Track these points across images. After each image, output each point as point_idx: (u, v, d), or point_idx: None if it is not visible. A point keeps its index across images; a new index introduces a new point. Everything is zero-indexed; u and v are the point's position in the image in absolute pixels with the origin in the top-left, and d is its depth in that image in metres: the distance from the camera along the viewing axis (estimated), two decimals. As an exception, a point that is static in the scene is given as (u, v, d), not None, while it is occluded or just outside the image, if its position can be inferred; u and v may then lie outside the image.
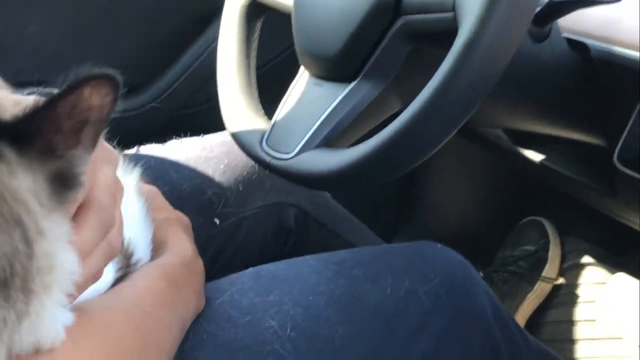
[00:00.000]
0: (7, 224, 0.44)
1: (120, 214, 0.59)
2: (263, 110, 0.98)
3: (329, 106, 0.82)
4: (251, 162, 1.06)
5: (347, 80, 0.82)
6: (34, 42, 1.21)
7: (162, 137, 1.09)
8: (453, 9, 0.68)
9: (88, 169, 0.50)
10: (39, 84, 1.01)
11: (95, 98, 0.45)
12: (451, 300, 0.78)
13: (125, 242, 0.68)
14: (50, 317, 0.49)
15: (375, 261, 0.79)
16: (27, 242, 0.46)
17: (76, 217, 0.51)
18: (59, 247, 0.49)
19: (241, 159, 1.06)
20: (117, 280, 0.65)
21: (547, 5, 0.74)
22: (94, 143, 0.48)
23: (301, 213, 1.08)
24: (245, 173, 1.05)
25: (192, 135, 1.12)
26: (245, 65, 1.00)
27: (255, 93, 1.00)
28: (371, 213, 1.25)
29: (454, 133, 0.69)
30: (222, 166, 1.05)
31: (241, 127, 0.96)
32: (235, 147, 1.07)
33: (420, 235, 1.21)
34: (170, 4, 1.24)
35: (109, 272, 0.64)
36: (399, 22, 0.76)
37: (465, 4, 0.66)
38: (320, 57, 0.84)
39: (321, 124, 0.82)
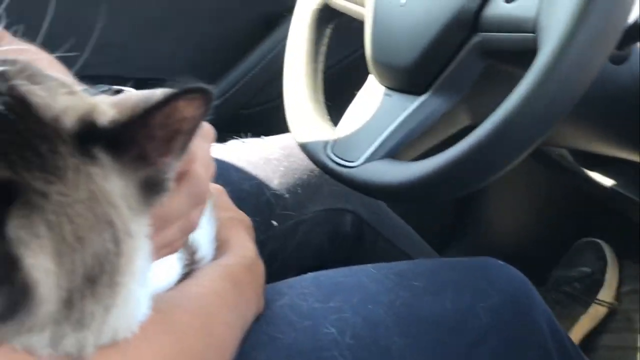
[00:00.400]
0: (99, 225, 0.46)
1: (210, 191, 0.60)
2: (328, 116, 0.99)
3: (398, 118, 0.82)
4: (311, 166, 1.07)
5: (417, 92, 0.82)
6: (102, 37, 1.23)
7: (222, 137, 1.11)
8: (534, 30, 0.68)
9: None
10: (107, 78, 1.04)
11: (189, 110, 0.47)
12: (510, 318, 0.77)
13: (190, 240, 0.70)
14: (130, 310, 0.51)
15: (436, 274, 0.79)
16: (116, 242, 0.47)
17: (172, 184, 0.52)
18: (142, 247, 0.50)
19: (301, 163, 1.07)
20: (182, 277, 0.67)
21: (629, 28, 0.73)
22: (183, 151, 0.50)
23: (357, 220, 1.08)
24: (304, 177, 1.06)
25: (252, 136, 1.14)
26: (312, 70, 1.01)
27: (322, 98, 1.01)
28: (426, 224, 1.25)
29: (526, 154, 0.69)
30: (282, 168, 1.07)
31: (306, 131, 0.97)
32: (296, 150, 1.08)
33: (473, 250, 1.21)
34: (235, 4, 1.26)
35: (176, 268, 0.66)
36: (476, 39, 0.76)
37: (548, 26, 0.66)
38: (392, 68, 0.84)
39: (389, 135, 0.82)
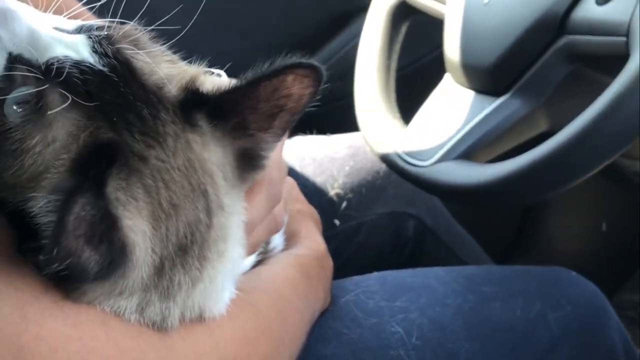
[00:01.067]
0: (194, 194, 0.46)
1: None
2: (399, 114, 0.98)
3: (475, 118, 0.81)
4: (376, 167, 1.06)
5: (496, 94, 0.81)
6: (170, 32, 1.25)
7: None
8: (626, 34, 0.66)
9: None
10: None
11: (297, 87, 0.47)
12: (581, 330, 0.76)
13: None
14: (219, 287, 0.51)
15: (507, 281, 0.78)
16: (209, 213, 0.47)
17: (249, 191, 0.53)
18: (233, 222, 0.50)
19: (367, 163, 1.07)
20: (255, 264, 0.67)
21: None
22: (284, 131, 0.50)
23: (420, 225, 1.07)
24: (369, 177, 1.06)
25: (317, 133, 1.13)
26: (385, 66, 1.00)
27: (393, 95, 1.00)
28: (487, 235, 1.23)
29: (607, 162, 0.67)
30: (347, 168, 1.06)
31: (375, 128, 0.96)
32: (362, 150, 1.08)
33: (537, 262, 1.18)
34: (306, 3, 1.26)
35: (252, 255, 0.66)
36: (562, 41, 0.74)
37: None
38: (473, 68, 0.83)
39: (464, 135, 0.81)
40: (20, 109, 0.43)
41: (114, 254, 0.43)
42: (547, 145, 0.68)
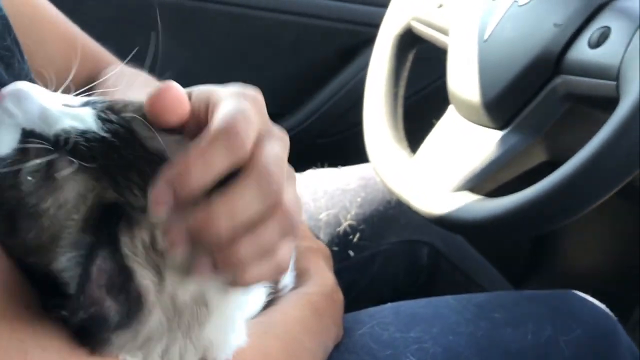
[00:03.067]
0: None
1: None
2: (407, 143, 1.02)
3: (477, 152, 0.84)
4: (387, 197, 1.10)
5: (497, 128, 0.84)
6: (183, 67, 1.29)
7: (299, 166, 1.15)
8: (616, 78, 0.70)
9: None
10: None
11: None
12: (593, 352, 0.78)
13: None
14: (229, 322, 0.56)
15: (517, 306, 0.81)
16: None
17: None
18: None
19: (377, 194, 1.10)
20: (265, 304, 0.70)
21: None
22: None
23: (434, 252, 1.11)
24: (381, 208, 1.09)
25: (328, 165, 1.18)
26: (393, 94, 1.05)
27: (401, 124, 1.04)
28: (502, 257, 1.26)
29: (611, 193, 0.70)
30: (358, 199, 1.10)
31: (384, 158, 1.00)
32: (372, 181, 1.12)
33: (552, 285, 1.21)
34: (315, 37, 1.30)
35: (261, 296, 0.69)
36: (558, 80, 0.77)
37: (631, 75, 0.68)
38: (473, 102, 0.87)
39: (467, 168, 0.85)
40: (33, 178, 0.49)
41: (132, 303, 0.48)
42: (550, 179, 0.71)
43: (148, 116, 0.51)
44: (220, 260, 0.48)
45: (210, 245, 0.47)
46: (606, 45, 0.73)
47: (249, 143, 0.48)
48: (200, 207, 0.46)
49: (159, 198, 0.46)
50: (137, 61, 0.87)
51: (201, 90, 0.53)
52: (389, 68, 1.06)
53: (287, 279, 0.76)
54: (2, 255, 0.51)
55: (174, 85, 0.51)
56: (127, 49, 0.78)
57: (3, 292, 0.50)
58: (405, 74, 1.07)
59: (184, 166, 0.46)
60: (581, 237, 1.40)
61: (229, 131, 0.47)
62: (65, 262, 0.49)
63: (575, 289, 0.87)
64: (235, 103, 0.49)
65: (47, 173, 0.49)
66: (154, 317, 0.50)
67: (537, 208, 0.72)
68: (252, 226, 0.48)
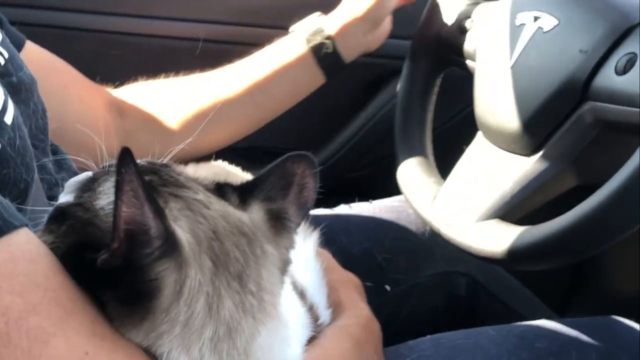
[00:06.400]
0: (234, 230, 0.60)
1: None
2: (437, 169, 1.04)
3: (507, 179, 0.86)
4: (421, 229, 1.11)
5: (526, 154, 0.85)
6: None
7: (331, 201, 1.17)
8: None
9: None
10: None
11: (296, 167, 0.64)
12: (639, 379, 0.79)
13: (311, 305, 0.75)
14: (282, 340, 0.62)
15: (559, 335, 0.82)
16: (253, 249, 0.62)
17: None
18: (279, 273, 0.64)
19: (411, 225, 1.12)
20: (307, 342, 0.72)
21: None
22: (301, 201, 0.65)
23: (472, 282, 1.12)
24: (415, 240, 1.11)
25: (359, 200, 1.19)
26: (422, 122, 1.07)
27: (431, 152, 1.06)
28: (543, 283, 1.26)
29: None
30: (392, 232, 1.12)
31: (415, 187, 1.02)
32: (404, 214, 1.13)
33: (596, 309, 1.21)
34: (341, 73, 1.33)
35: (305, 335, 0.71)
36: (586, 107, 0.78)
37: None
38: (501, 129, 0.88)
39: (497, 195, 0.86)
40: None
41: (167, 227, 0.55)
42: (584, 206, 0.72)
43: None
44: None
45: None
46: (633, 71, 0.74)
47: None
48: None
49: None
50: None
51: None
52: (417, 94, 1.08)
53: (324, 315, 0.78)
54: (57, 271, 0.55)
55: None
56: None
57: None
58: (433, 99, 1.09)
59: None
60: (622, 260, 1.40)
61: None
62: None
63: (618, 314, 0.88)
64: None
65: None
66: (194, 272, 0.56)
67: (572, 236, 0.73)
68: None
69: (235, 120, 1.04)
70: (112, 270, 0.54)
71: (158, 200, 0.56)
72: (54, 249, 0.57)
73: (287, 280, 0.66)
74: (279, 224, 0.63)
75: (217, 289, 0.57)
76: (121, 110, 1.04)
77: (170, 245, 0.55)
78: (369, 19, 1.05)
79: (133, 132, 1.03)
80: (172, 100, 1.05)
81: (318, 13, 1.09)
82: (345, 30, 1.05)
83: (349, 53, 1.07)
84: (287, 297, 0.65)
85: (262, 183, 0.64)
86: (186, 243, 0.56)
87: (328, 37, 1.05)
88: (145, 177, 0.59)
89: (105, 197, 0.58)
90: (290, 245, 0.64)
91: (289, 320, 0.64)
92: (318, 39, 1.05)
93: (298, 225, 0.65)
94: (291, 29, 1.09)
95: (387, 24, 1.11)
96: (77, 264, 0.56)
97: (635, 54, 0.74)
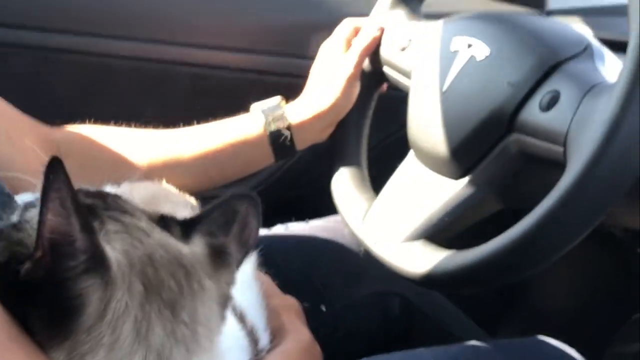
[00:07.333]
0: (172, 260, 0.61)
1: None
2: (370, 185, 1.06)
3: (435, 200, 0.88)
4: (356, 249, 1.13)
5: (454, 178, 0.87)
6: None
7: (267, 221, 1.17)
8: (564, 144, 0.73)
9: None
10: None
11: (240, 205, 0.65)
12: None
13: (251, 328, 0.76)
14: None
15: (490, 356, 0.85)
16: (190, 283, 0.62)
17: None
18: (217, 308, 0.64)
19: (346, 246, 1.14)
20: None
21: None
22: (242, 238, 0.65)
23: (406, 303, 1.14)
24: (350, 260, 1.13)
25: (296, 219, 1.21)
26: (358, 134, 1.09)
27: (366, 165, 1.08)
28: (474, 304, 1.29)
29: (569, 248, 0.72)
30: (327, 252, 1.13)
31: (349, 206, 1.04)
32: (340, 234, 1.15)
33: (525, 328, 1.24)
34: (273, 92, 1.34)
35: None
36: (511, 138, 0.80)
37: (576, 145, 0.70)
38: (431, 151, 0.91)
39: (425, 216, 0.88)
40: None
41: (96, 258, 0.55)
42: (500, 240, 0.74)
43: None
44: None
45: None
46: (555, 109, 0.75)
47: None
48: None
49: None
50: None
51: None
52: (355, 107, 1.09)
53: (264, 341, 0.79)
54: None
55: None
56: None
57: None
58: (370, 113, 1.11)
59: None
60: (550, 280, 1.45)
61: None
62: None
63: (549, 331, 0.91)
64: None
65: None
66: (120, 293, 0.56)
67: (490, 265, 0.74)
68: None
69: (181, 180, 1.04)
70: (36, 284, 0.54)
71: (95, 220, 0.57)
72: None
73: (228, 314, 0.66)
74: (219, 260, 0.64)
75: (147, 314, 0.57)
76: (59, 150, 1.01)
77: (97, 261, 0.55)
78: (328, 118, 1.07)
79: (72, 173, 1.01)
80: (125, 149, 1.04)
81: (279, 97, 1.10)
82: (305, 125, 1.07)
83: (302, 144, 1.09)
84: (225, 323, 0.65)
85: (205, 218, 0.65)
86: (115, 262, 0.56)
87: (288, 127, 1.06)
88: (89, 200, 0.60)
89: (34, 210, 0.57)
90: (231, 280, 0.65)
91: (227, 349, 0.64)
92: (277, 126, 1.06)
93: (239, 262, 0.66)
94: (252, 107, 1.10)
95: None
96: (3, 284, 0.55)
97: (558, 92, 0.76)
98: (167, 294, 0.58)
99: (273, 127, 1.06)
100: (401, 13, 1.08)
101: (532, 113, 0.78)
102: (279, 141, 1.06)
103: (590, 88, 0.74)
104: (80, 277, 0.54)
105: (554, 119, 0.75)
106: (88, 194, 0.62)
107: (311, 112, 1.07)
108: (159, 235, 0.61)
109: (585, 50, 0.81)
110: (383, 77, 1.09)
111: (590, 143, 0.67)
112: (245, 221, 0.64)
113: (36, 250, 0.53)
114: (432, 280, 0.83)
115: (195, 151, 1.06)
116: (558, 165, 0.72)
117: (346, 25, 1.11)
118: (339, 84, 1.06)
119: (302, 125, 1.07)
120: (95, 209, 0.60)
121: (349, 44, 1.09)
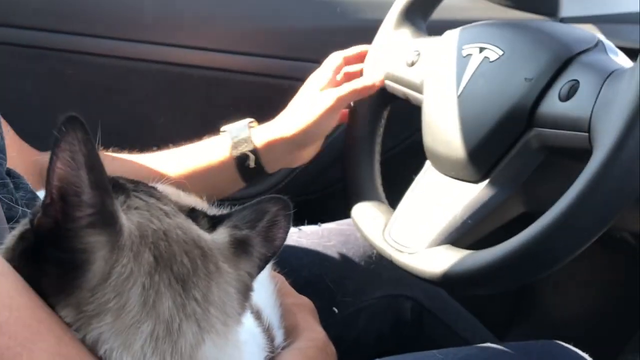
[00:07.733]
0: (188, 241, 0.62)
1: None
2: (385, 198, 1.07)
3: (456, 205, 0.89)
4: (368, 252, 1.14)
5: (474, 181, 0.88)
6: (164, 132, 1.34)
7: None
8: (588, 130, 0.74)
9: None
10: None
11: (270, 206, 0.66)
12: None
13: (268, 325, 0.78)
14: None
15: (502, 358, 0.85)
16: (206, 264, 0.63)
17: None
18: (234, 292, 0.64)
19: (358, 249, 1.15)
20: None
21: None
22: (270, 235, 0.66)
23: (417, 306, 1.15)
24: (362, 263, 1.14)
25: (309, 222, 1.22)
26: (369, 152, 1.10)
27: (379, 180, 1.09)
28: (486, 308, 1.30)
29: (587, 245, 0.74)
30: (340, 255, 1.14)
31: (364, 214, 1.05)
32: (353, 237, 1.16)
33: (536, 334, 1.25)
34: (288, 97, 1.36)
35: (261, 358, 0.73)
36: (532, 133, 0.82)
37: (601, 128, 0.72)
38: (450, 157, 0.92)
39: (447, 222, 0.89)
40: None
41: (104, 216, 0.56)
42: (528, 232, 0.75)
43: None
44: None
45: None
46: (576, 98, 0.77)
47: None
48: None
49: None
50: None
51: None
52: (365, 126, 1.11)
53: (278, 339, 0.80)
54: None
55: None
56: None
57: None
58: (381, 130, 1.12)
59: None
60: (562, 286, 1.45)
61: None
62: None
63: (558, 339, 0.91)
64: None
65: None
66: (126, 260, 0.57)
67: (514, 262, 0.76)
68: None
69: None
70: (46, 238, 0.56)
71: (121, 195, 0.59)
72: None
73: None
74: (241, 249, 0.64)
75: (155, 284, 0.57)
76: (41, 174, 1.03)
77: (105, 220, 0.56)
78: (296, 142, 1.08)
79: None
80: None
81: (249, 119, 1.11)
82: (270, 146, 1.08)
83: (272, 166, 1.10)
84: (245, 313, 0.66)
85: (234, 215, 0.66)
86: (127, 231, 0.57)
87: (253, 150, 1.07)
88: (123, 180, 0.62)
89: None
90: (252, 270, 0.65)
91: (245, 341, 0.65)
92: (243, 149, 1.07)
93: (264, 258, 0.66)
94: (223, 129, 1.11)
95: (316, 146, 1.14)
96: (22, 249, 0.58)
97: (577, 81, 0.78)
98: (179, 269, 0.59)
99: (238, 151, 1.07)
100: (406, 32, 1.09)
101: (552, 105, 0.80)
102: (244, 164, 1.07)
103: (610, 74, 0.76)
104: (85, 230, 0.55)
105: (576, 107, 0.77)
106: (126, 179, 0.64)
107: (278, 134, 1.08)
108: (181, 220, 0.62)
109: (597, 45, 0.84)
110: (391, 96, 1.09)
111: (618, 123, 0.69)
112: (274, 220, 0.65)
113: (46, 196, 0.55)
114: (453, 282, 0.84)
115: (167, 175, 1.06)
116: (582, 155, 0.73)
117: (334, 57, 1.13)
118: (314, 112, 1.07)
119: (268, 148, 1.08)
120: (125, 186, 0.62)
121: (335, 75, 1.10)
